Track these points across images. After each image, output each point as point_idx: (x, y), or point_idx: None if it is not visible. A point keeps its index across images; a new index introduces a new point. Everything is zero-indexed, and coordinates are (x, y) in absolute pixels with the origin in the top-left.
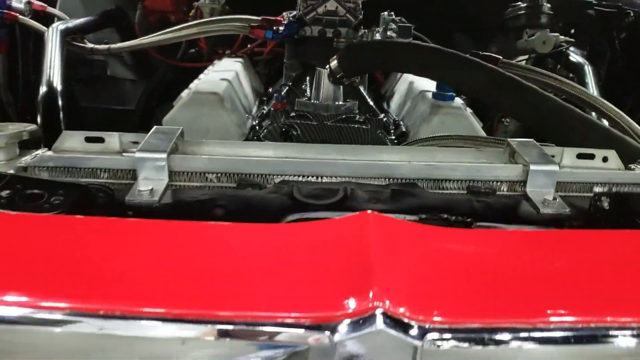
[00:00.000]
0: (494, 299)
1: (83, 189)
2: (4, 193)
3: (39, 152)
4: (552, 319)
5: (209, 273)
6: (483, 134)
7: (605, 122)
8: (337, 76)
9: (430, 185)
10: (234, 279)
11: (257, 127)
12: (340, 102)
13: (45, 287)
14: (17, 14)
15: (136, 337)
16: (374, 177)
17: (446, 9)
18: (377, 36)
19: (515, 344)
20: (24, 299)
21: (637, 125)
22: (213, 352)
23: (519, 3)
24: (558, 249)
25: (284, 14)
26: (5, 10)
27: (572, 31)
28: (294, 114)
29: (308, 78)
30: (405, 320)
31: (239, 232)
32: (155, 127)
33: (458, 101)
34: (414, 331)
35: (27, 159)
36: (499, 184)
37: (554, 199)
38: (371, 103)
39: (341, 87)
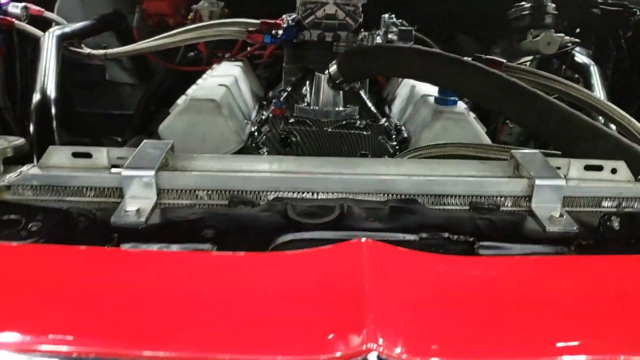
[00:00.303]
0: (497, 336)
1: (63, 213)
2: None
3: (24, 168)
4: (561, 357)
5: (191, 310)
6: (487, 139)
7: (613, 127)
8: (337, 82)
9: (431, 201)
10: (218, 317)
11: (255, 134)
12: (341, 108)
13: (13, 324)
14: (14, 19)
15: None
16: (371, 193)
17: (449, 9)
18: (378, 39)
19: None
20: None
21: None
22: None
23: (523, 3)
24: (565, 278)
25: (284, 16)
26: (1, 16)
27: (577, 30)
28: (293, 120)
29: (308, 83)
30: None
31: (225, 263)
32: (144, 141)
33: (461, 105)
34: None
35: (11, 177)
36: (502, 199)
37: (561, 215)
38: (372, 108)
39: (341, 92)
